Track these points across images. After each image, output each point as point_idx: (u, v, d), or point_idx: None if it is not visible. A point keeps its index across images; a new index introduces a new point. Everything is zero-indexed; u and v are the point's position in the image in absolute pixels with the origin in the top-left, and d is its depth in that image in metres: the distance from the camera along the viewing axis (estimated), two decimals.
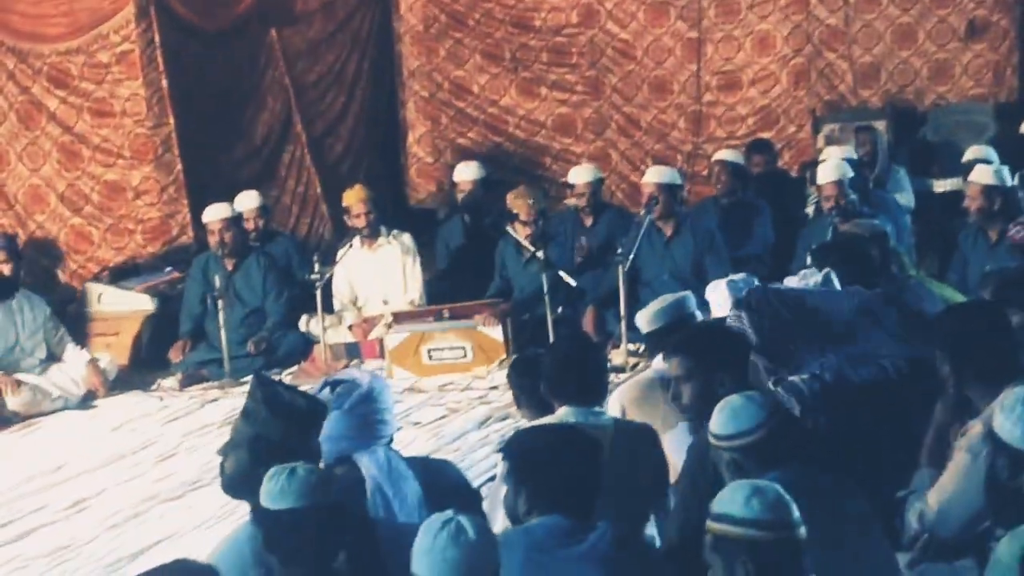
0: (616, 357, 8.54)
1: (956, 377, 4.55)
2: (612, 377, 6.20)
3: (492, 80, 13.14)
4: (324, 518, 3.89)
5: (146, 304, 10.10)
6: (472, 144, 13.08)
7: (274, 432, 4.24)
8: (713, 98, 12.69)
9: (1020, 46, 12.02)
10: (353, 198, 9.89)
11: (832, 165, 9.05)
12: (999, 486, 3.89)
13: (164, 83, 10.66)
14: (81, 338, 9.72)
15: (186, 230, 10.82)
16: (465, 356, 9.08)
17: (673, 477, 4.90)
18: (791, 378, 5.21)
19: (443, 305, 9.47)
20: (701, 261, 9.19)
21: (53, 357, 9.30)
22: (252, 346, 9.54)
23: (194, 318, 9.81)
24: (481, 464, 7.16)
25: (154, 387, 9.45)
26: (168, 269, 10.53)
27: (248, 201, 10.26)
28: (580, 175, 10.14)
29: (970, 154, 9.76)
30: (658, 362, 5.68)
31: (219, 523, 6.61)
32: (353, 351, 9.67)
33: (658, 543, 4.75)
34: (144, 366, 9.83)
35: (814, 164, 10.10)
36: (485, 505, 4.82)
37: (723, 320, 5.60)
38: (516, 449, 4.20)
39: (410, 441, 7.61)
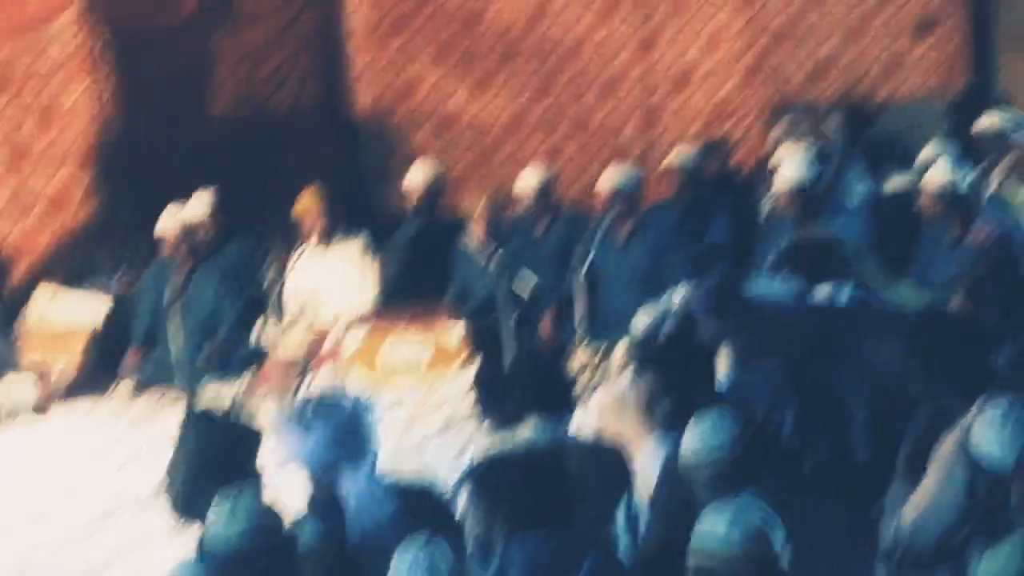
0: (577, 359, 8.48)
1: (929, 388, 4.56)
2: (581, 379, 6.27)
3: (442, 79, 13.08)
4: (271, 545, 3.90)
5: (97, 310, 9.96)
6: (423, 144, 13.01)
7: (208, 456, 4.30)
8: (664, 96, 12.68)
9: (971, 41, 12.08)
10: (305, 203, 9.81)
11: (788, 167, 8.97)
12: (976, 502, 3.89)
13: (110, 85, 10.58)
14: (31, 346, 9.57)
15: (135, 233, 10.70)
16: (424, 358, 9.02)
17: (646, 487, 4.90)
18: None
19: (400, 308, 9.39)
20: (660, 261, 9.12)
21: (4, 366, 9.19)
22: (206, 354, 9.43)
23: (147, 325, 9.69)
24: (443, 467, 7.03)
25: (107, 395, 9.33)
26: (119, 275, 10.42)
27: (201, 205, 10.16)
28: (527, 181, 9.90)
29: (924, 154, 9.75)
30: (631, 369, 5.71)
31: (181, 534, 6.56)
32: (304, 365, 9.57)
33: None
34: (96, 373, 9.69)
35: (767, 161, 10.09)
36: None
37: (692, 329, 5.62)
38: (486, 478, 4.23)
39: None
